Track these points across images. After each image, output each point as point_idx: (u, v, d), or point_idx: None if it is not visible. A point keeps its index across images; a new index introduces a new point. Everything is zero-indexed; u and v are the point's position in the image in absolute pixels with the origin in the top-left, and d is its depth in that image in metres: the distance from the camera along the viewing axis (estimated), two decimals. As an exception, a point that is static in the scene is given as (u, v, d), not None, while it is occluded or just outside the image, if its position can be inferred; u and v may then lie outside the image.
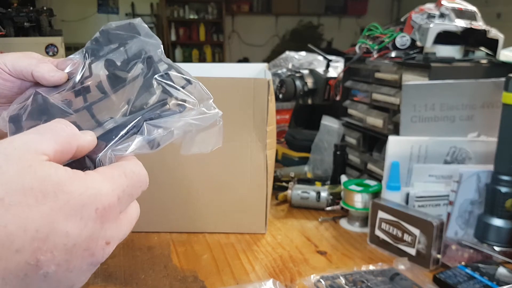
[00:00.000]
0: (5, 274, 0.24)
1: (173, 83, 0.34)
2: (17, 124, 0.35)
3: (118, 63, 0.36)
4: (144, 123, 0.32)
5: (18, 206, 0.24)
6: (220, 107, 0.41)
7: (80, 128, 0.33)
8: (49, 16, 3.00)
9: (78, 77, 0.36)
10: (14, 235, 0.23)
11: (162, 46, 0.36)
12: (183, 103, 0.33)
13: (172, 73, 0.34)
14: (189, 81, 0.35)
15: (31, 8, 2.90)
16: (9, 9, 2.74)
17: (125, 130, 0.31)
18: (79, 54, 0.39)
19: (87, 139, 0.30)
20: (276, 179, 0.98)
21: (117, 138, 0.31)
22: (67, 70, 0.38)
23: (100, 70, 0.36)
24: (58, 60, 0.39)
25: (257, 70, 0.91)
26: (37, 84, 0.39)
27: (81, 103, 0.35)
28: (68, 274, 0.26)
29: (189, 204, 0.76)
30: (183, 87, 0.34)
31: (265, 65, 0.93)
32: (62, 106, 0.34)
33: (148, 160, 0.32)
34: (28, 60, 0.39)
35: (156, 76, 0.34)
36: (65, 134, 0.28)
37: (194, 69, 0.78)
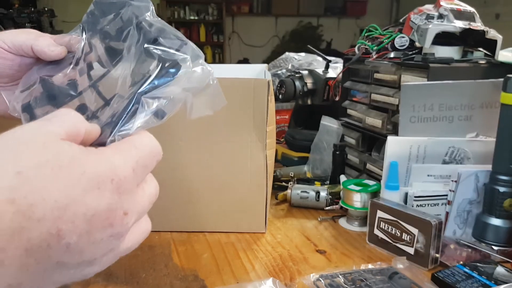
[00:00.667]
0: (28, 245, 0.24)
1: (167, 47, 0.33)
2: (30, 112, 0.35)
3: (113, 34, 0.35)
4: (142, 97, 0.31)
5: (35, 178, 0.24)
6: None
7: (88, 108, 0.33)
8: (50, 17, 3.02)
9: (79, 53, 0.36)
10: (35, 205, 0.24)
11: (152, 7, 0.36)
12: (176, 65, 0.33)
13: (165, 36, 0.34)
14: (184, 42, 0.34)
15: (33, 9, 2.91)
16: (10, 10, 2.74)
17: (126, 111, 0.31)
18: (77, 29, 0.38)
19: (93, 124, 0.31)
20: (275, 179, 0.98)
21: (120, 121, 0.31)
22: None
23: (98, 44, 0.36)
24: (56, 36, 0.40)
25: (257, 71, 0.91)
26: (37, 60, 0.39)
27: (86, 82, 0.35)
28: (89, 246, 0.26)
29: (189, 204, 0.76)
30: (178, 50, 0.33)
31: (265, 66, 0.93)
32: (69, 90, 0.35)
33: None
34: (26, 35, 0.40)
35: (147, 44, 0.33)
36: (72, 119, 0.28)
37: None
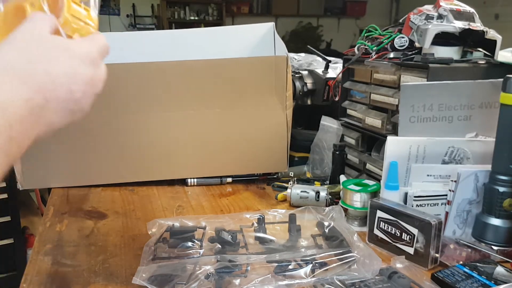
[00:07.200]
0: (57, 99, 0.40)
1: None
2: None
3: None
4: None
5: (49, 60, 0.40)
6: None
7: None
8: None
9: None
10: (56, 76, 0.40)
11: None
12: None
13: None
14: None
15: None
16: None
17: None
18: None
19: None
20: (275, 179, 0.99)
21: None
22: None
23: None
24: None
25: (263, 31, 0.99)
26: None
27: None
28: (86, 100, 0.43)
29: (227, 152, 0.99)
30: None
31: (272, 24, 1.01)
32: None
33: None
34: None
35: None
36: (51, 18, 0.44)
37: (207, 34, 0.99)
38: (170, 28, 5.88)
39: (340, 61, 1.11)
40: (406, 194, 0.74)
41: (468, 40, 0.84)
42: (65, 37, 0.45)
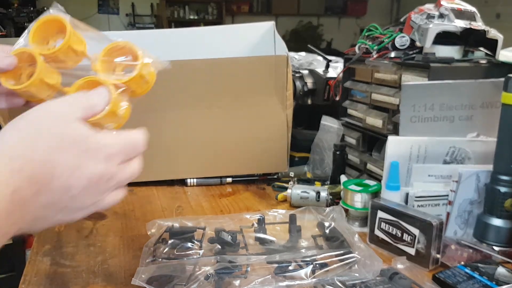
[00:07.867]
0: (50, 196, 0.36)
1: None
2: None
3: None
4: None
5: (52, 149, 0.36)
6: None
7: None
8: (49, 17, 3.01)
9: None
10: (54, 167, 0.36)
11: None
12: None
13: None
14: None
15: (32, 8, 2.92)
16: (9, 9, 2.75)
17: None
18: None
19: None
20: (276, 179, 0.98)
21: None
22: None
23: None
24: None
25: (263, 30, 0.96)
26: None
27: None
28: (87, 198, 0.39)
29: (228, 152, 0.98)
30: None
31: (272, 23, 0.97)
32: None
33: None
34: None
35: None
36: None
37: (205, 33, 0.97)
38: (170, 27, 5.88)
39: (341, 60, 1.11)
40: (407, 194, 0.74)
41: (469, 39, 0.83)
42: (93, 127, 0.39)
